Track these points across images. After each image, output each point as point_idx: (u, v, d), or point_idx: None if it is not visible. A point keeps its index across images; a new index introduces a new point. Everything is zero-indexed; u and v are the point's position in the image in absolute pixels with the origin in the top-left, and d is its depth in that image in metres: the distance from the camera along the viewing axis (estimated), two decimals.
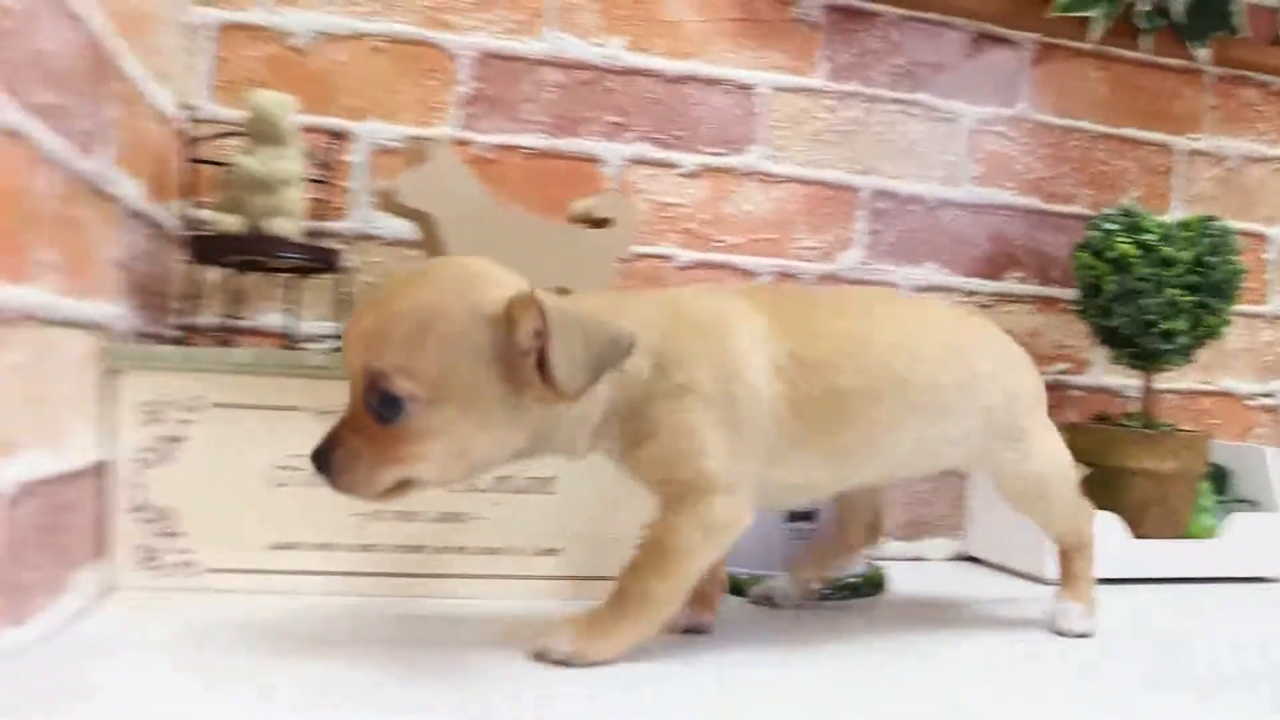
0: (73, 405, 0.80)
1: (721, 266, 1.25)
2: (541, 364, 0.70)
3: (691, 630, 0.87)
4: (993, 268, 1.37)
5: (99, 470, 0.87)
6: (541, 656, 0.75)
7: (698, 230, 1.25)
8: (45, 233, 0.71)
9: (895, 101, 1.33)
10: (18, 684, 0.62)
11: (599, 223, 1.05)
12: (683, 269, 1.24)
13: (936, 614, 1.01)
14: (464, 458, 0.72)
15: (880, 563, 1.16)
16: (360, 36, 1.16)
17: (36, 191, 0.69)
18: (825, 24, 1.29)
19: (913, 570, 1.24)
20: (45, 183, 0.71)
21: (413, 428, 0.70)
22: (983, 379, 0.87)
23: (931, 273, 1.34)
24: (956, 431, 0.87)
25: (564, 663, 0.74)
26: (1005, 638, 0.92)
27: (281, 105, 0.97)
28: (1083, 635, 0.92)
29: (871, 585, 1.08)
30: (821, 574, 1.01)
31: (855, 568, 1.06)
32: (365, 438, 0.70)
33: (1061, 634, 0.92)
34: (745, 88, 1.27)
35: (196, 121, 1.05)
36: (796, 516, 1.05)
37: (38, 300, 0.70)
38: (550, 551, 0.95)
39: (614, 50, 1.23)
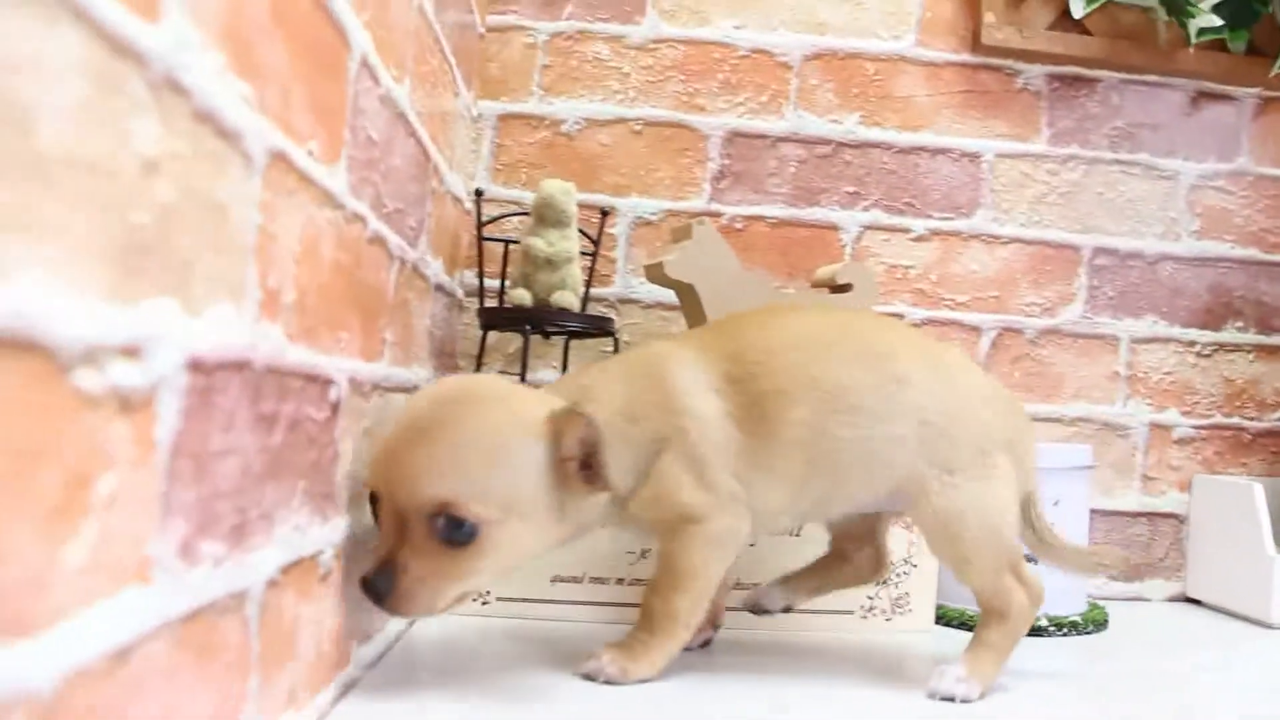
0: None
1: (949, 323, 1.35)
2: (586, 467, 0.77)
3: (694, 646, 0.93)
4: (1212, 318, 1.42)
5: None
6: (590, 677, 0.83)
7: (928, 290, 1.35)
8: (389, 316, 0.86)
9: (1115, 162, 1.39)
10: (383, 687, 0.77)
11: (841, 288, 1.23)
12: (914, 325, 1.38)
13: (1156, 653, 1.08)
14: (518, 561, 0.79)
15: (1102, 602, 1.30)
16: (622, 121, 1.32)
17: (387, 283, 0.84)
18: (1047, 92, 1.38)
19: (1132, 609, 1.31)
20: (392, 275, 0.86)
21: (481, 547, 0.74)
22: (912, 387, 0.86)
23: (1151, 325, 1.40)
24: (885, 437, 0.85)
25: (610, 682, 0.82)
26: (1223, 677, 0.98)
27: (566, 192, 1.16)
28: (948, 699, 0.84)
29: (1093, 623, 1.21)
30: (816, 595, 1.01)
31: (1078, 606, 1.20)
32: (427, 560, 0.73)
33: (931, 694, 0.85)
34: (972, 155, 1.37)
35: (482, 202, 1.27)
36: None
37: (383, 373, 0.84)
38: None
39: (849, 125, 1.35)
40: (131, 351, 0.39)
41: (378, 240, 0.80)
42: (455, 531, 0.73)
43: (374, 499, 0.75)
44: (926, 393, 0.86)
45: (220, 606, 0.51)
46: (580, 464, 0.77)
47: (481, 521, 0.73)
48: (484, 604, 1.06)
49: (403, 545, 0.73)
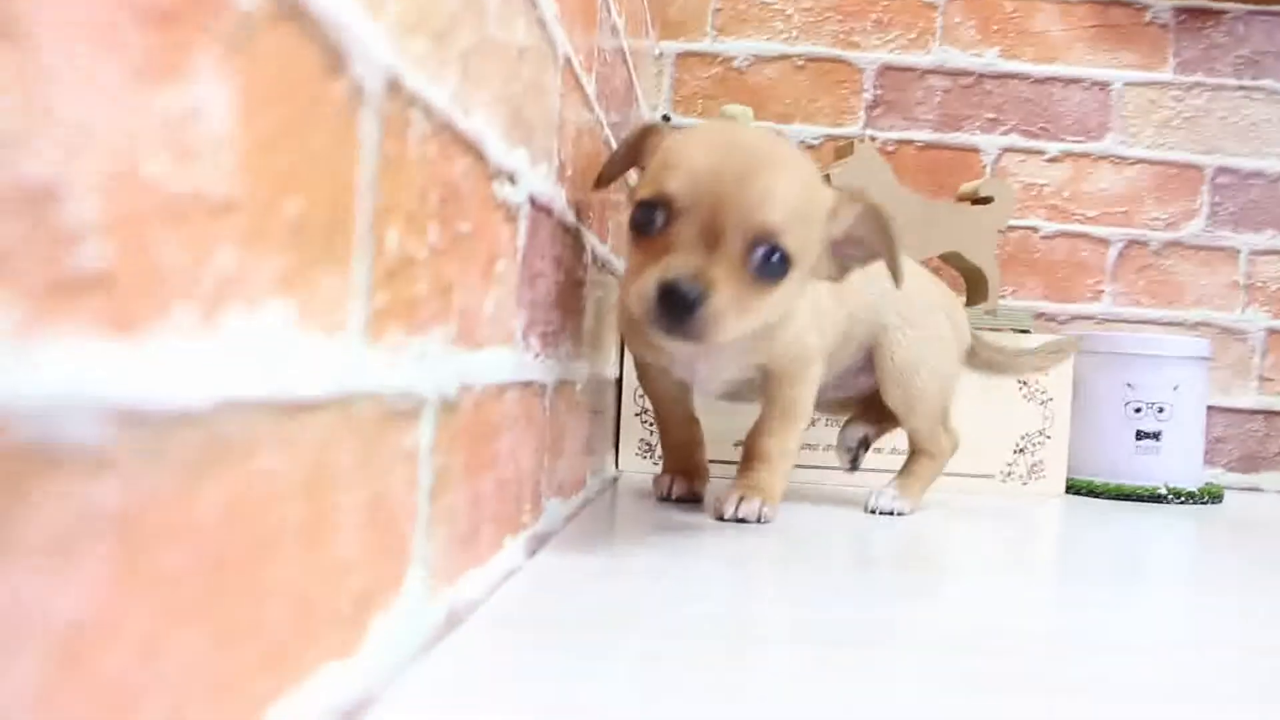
0: (612, 336, 1.18)
1: (1079, 235, 1.49)
2: (837, 253, 0.78)
3: (689, 499, 0.98)
4: None
5: (619, 383, 1.26)
6: (743, 519, 0.86)
7: (1060, 206, 1.47)
8: (612, 208, 0.99)
9: (1239, 89, 1.48)
10: (600, 514, 0.95)
11: (982, 200, 1.34)
12: (1047, 238, 1.48)
13: (1265, 531, 1.15)
14: (775, 318, 0.77)
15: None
16: (785, 57, 1.48)
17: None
18: (1174, 24, 1.48)
19: (1247, 497, 1.41)
20: None
21: (779, 288, 0.72)
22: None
23: (1270, 238, 1.48)
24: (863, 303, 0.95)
25: (759, 520, 0.86)
26: None
27: (747, 115, 1.29)
28: (889, 513, 0.99)
29: (1209, 495, 1.29)
30: (880, 430, 1.08)
31: (1196, 481, 1.31)
32: (735, 287, 0.69)
33: (870, 510, 0.99)
34: (1101, 84, 1.47)
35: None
36: (1144, 435, 1.31)
37: (605, 254, 0.97)
38: None
39: (990, 59, 1.46)
40: (513, 178, 0.55)
41: (607, 145, 0.95)
42: (769, 263, 0.70)
43: (657, 206, 0.71)
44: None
45: (535, 388, 0.67)
46: (836, 247, 0.78)
47: (792, 259, 0.71)
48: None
49: (711, 265, 0.69)
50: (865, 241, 0.80)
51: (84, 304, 0.20)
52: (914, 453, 1.05)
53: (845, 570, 0.76)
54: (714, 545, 0.78)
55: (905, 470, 1.05)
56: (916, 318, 1.01)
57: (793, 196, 0.71)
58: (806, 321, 0.89)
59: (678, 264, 0.67)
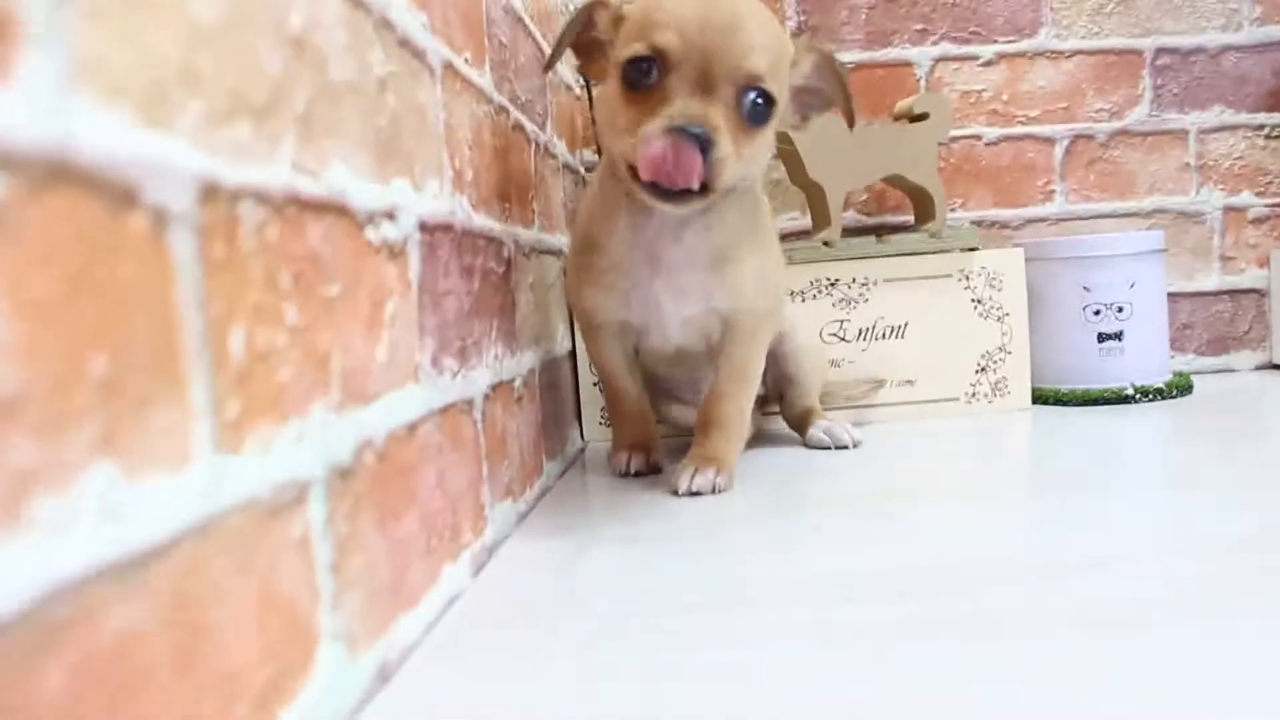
0: (559, 313, 1.18)
1: (1024, 138, 1.47)
2: (797, 100, 0.83)
3: (649, 472, 0.98)
4: (1279, 100, 1.48)
5: (573, 355, 1.26)
6: (698, 492, 0.86)
7: (1001, 110, 1.44)
8: (535, 190, 0.99)
9: None
10: (556, 505, 0.94)
11: (919, 118, 1.33)
12: (991, 145, 1.45)
13: (1237, 413, 1.18)
14: (750, 172, 0.82)
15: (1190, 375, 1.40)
16: None
17: (529, 163, 0.97)
18: None
19: (1220, 379, 1.41)
20: (532, 156, 0.99)
21: (764, 134, 0.77)
22: None
23: (1218, 114, 1.45)
24: None
25: (714, 491, 0.87)
26: None
27: None
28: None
29: (1178, 389, 1.28)
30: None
31: (1163, 375, 1.31)
32: (731, 132, 0.74)
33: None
34: None
35: (586, 88, 1.40)
36: (1105, 337, 1.31)
37: (535, 238, 0.98)
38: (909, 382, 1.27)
39: None
40: (390, 215, 0.55)
41: (519, 127, 0.94)
42: (759, 108, 0.75)
43: (650, 60, 0.75)
44: None
45: (459, 408, 0.67)
46: (795, 94, 0.83)
47: (776, 102, 0.76)
48: None
49: (710, 112, 0.73)
50: (822, 91, 0.86)
51: None
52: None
53: (815, 517, 0.76)
54: (673, 521, 0.78)
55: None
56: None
57: (772, 43, 0.76)
58: (770, 265, 0.93)
59: (684, 109, 0.72)
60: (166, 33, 0.33)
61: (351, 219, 0.49)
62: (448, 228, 0.66)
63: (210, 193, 0.35)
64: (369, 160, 0.52)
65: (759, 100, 0.75)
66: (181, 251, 0.33)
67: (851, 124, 0.86)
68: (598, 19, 0.82)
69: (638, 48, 0.75)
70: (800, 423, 1.09)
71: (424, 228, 0.61)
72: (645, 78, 0.74)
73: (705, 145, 0.71)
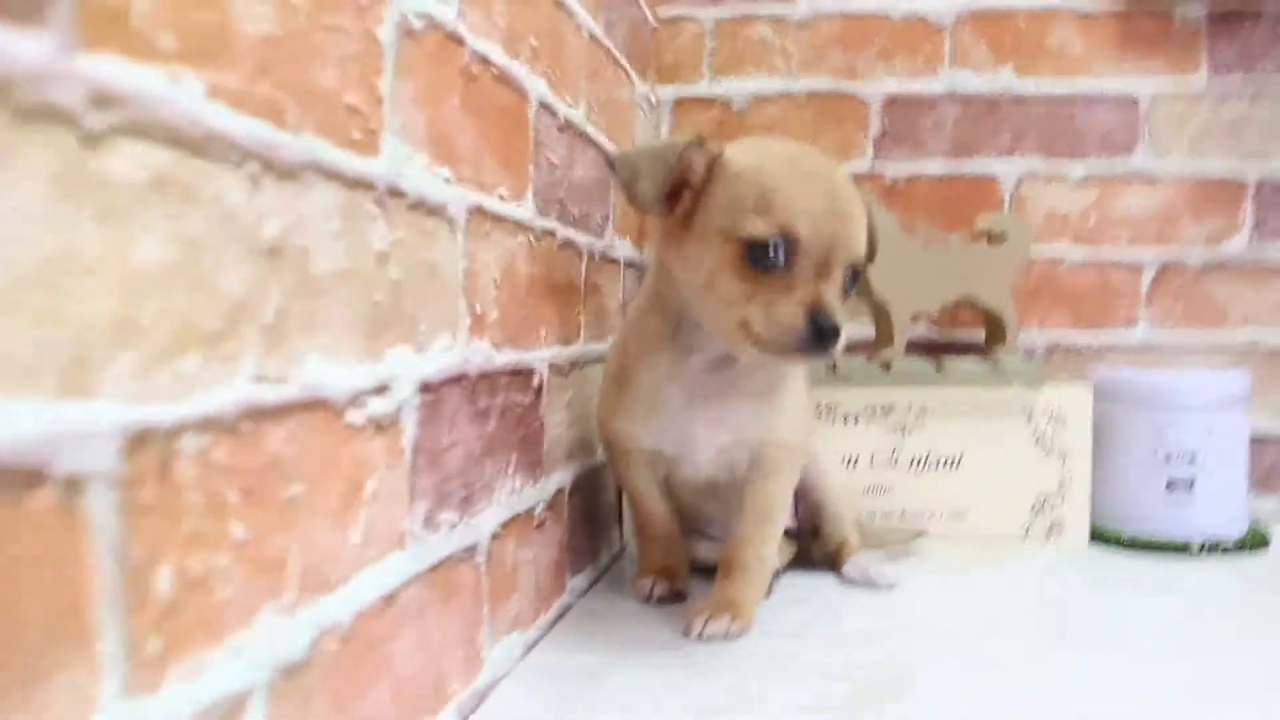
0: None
1: (1110, 265, 1.42)
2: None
3: (672, 600, 0.97)
4: None
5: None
6: (710, 637, 0.85)
7: (1087, 232, 1.40)
8: (584, 302, 1.00)
9: None
10: (569, 632, 0.93)
11: (997, 238, 1.30)
12: (1074, 266, 1.42)
13: None
14: None
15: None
16: (788, 94, 1.44)
17: (579, 277, 0.98)
18: (1206, 28, 1.42)
19: None
20: (583, 268, 0.99)
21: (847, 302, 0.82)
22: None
23: None
24: None
25: (730, 637, 0.85)
26: None
27: None
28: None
29: (1252, 543, 1.20)
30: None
31: (1239, 529, 1.24)
32: (839, 307, 0.79)
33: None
34: (1128, 97, 1.42)
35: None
36: (1174, 484, 1.25)
37: (579, 351, 0.99)
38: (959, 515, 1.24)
39: (1006, 79, 1.42)
40: (381, 390, 0.55)
41: (567, 244, 0.94)
42: (855, 279, 0.82)
43: (783, 244, 0.77)
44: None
45: (456, 559, 0.67)
46: None
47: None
48: None
49: (827, 294, 0.78)
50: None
51: None
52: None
53: (836, 679, 0.74)
54: (680, 666, 0.77)
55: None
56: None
57: (865, 222, 0.83)
58: (802, 400, 0.97)
59: (817, 297, 0.77)
60: (96, 294, 0.33)
61: (328, 408, 0.49)
62: (458, 379, 0.67)
63: (139, 441, 0.36)
64: (357, 341, 0.52)
65: (856, 278, 0.82)
66: (97, 511, 0.34)
67: (872, 258, 0.88)
68: (694, 162, 0.81)
69: (765, 229, 0.77)
70: (834, 558, 1.07)
71: (426, 388, 0.61)
72: (770, 258, 0.77)
73: (838, 331, 0.76)
